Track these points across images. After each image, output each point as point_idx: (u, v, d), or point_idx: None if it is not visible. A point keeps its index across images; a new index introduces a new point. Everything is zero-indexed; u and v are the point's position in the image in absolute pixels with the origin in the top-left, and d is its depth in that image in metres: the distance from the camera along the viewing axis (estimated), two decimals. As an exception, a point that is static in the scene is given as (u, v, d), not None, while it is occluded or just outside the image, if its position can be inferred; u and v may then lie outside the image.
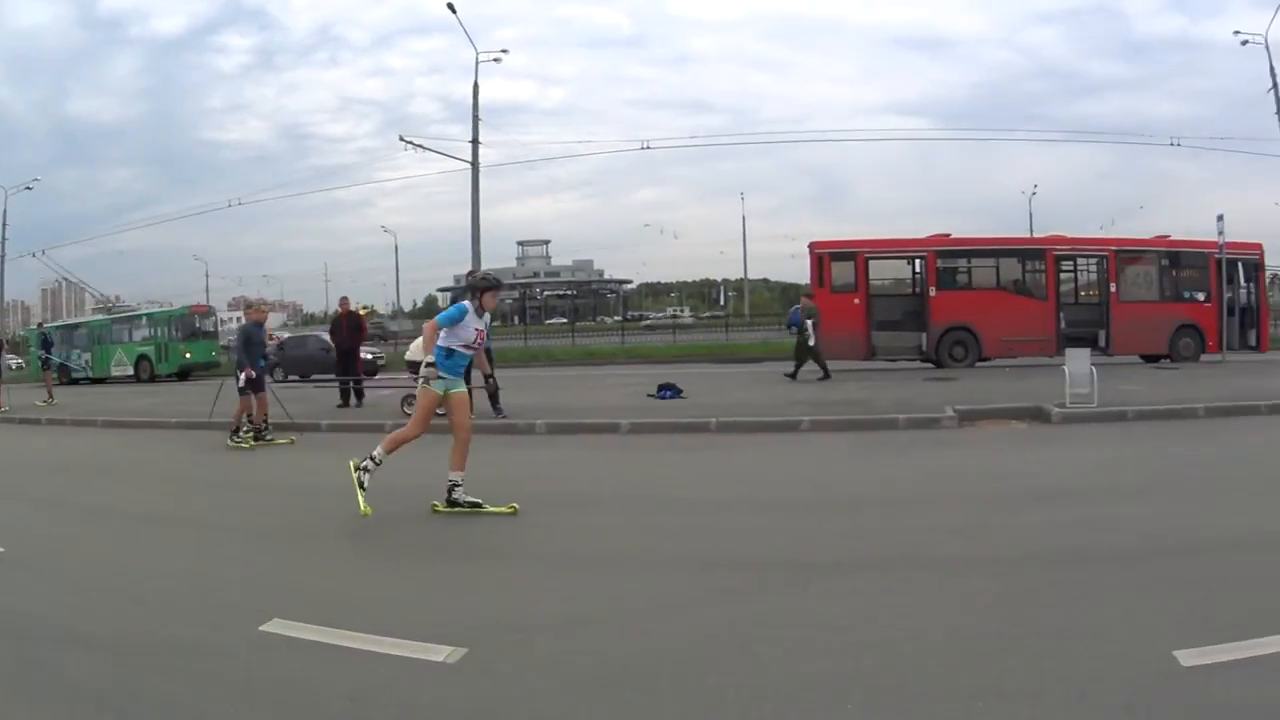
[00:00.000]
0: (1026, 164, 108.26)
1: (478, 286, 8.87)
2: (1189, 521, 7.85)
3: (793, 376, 22.03)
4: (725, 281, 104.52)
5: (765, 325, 60.30)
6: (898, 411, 15.13)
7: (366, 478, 8.52)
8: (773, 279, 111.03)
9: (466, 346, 8.74)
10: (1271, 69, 37.54)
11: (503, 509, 8.53)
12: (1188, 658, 4.64)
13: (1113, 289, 25.67)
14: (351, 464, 8.61)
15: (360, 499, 8.43)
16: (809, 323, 21.90)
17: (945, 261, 26.28)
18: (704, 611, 5.68)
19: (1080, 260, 26.86)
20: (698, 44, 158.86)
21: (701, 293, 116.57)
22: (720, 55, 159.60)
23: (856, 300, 25.59)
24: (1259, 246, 27.13)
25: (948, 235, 27.22)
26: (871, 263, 26.21)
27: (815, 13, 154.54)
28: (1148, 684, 4.41)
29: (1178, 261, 26.35)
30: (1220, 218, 25.47)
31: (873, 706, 4.25)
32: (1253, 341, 26.42)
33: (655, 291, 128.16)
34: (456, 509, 8.63)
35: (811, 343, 21.93)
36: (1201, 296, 25.79)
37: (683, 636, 5.17)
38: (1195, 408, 14.85)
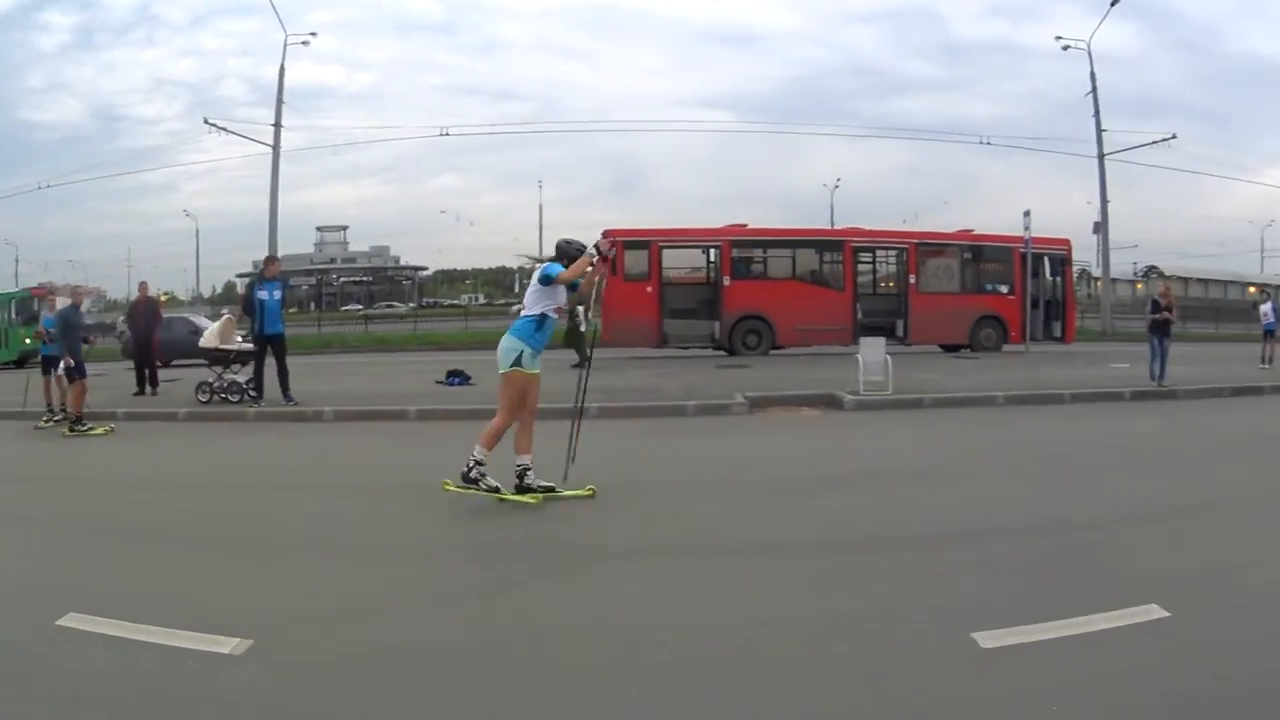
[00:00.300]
0: (833, 159, 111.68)
1: (569, 254, 8.27)
2: (984, 505, 7.98)
3: (578, 366, 20.99)
4: (520, 269, 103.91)
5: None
6: (687, 398, 15.02)
7: (484, 478, 8.05)
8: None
9: (557, 311, 8.35)
10: (1092, 74, 39.69)
11: (581, 492, 8.13)
12: (986, 640, 4.61)
13: (912, 280, 26.22)
14: (454, 487, 8.10)
15: (512, 496, 8.04)
16: (579, 309, 21.35)
17: (740, 251, 26.50)
18: (489, 599, 5.64)
19: (880, 252, 27.46)
20: (507, 31, 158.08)
21: (497, 280, 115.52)
22: (529, 43, 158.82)
23: (649, 289, 25.52)
24: (1067, 242, 28.29)
25: (744, 226, 27.48)
26: (666, 252, 26.32)
27: (626, 4, 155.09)
28: (946, 667, 4.38)
29: (981, 255, 27.16)
30: (1027, 214, 26.41)
31: (655, 693, 4.12)
32: (1058, 333, 27.41)
33: (451, 279, 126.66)
34: (472, 489, 8.07)
35: (583, 329, 21.30)
36: (1005, 289, 26.60)
37: (467, 625, 5.14)
38: (995, 395, 15.24)
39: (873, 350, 14.91)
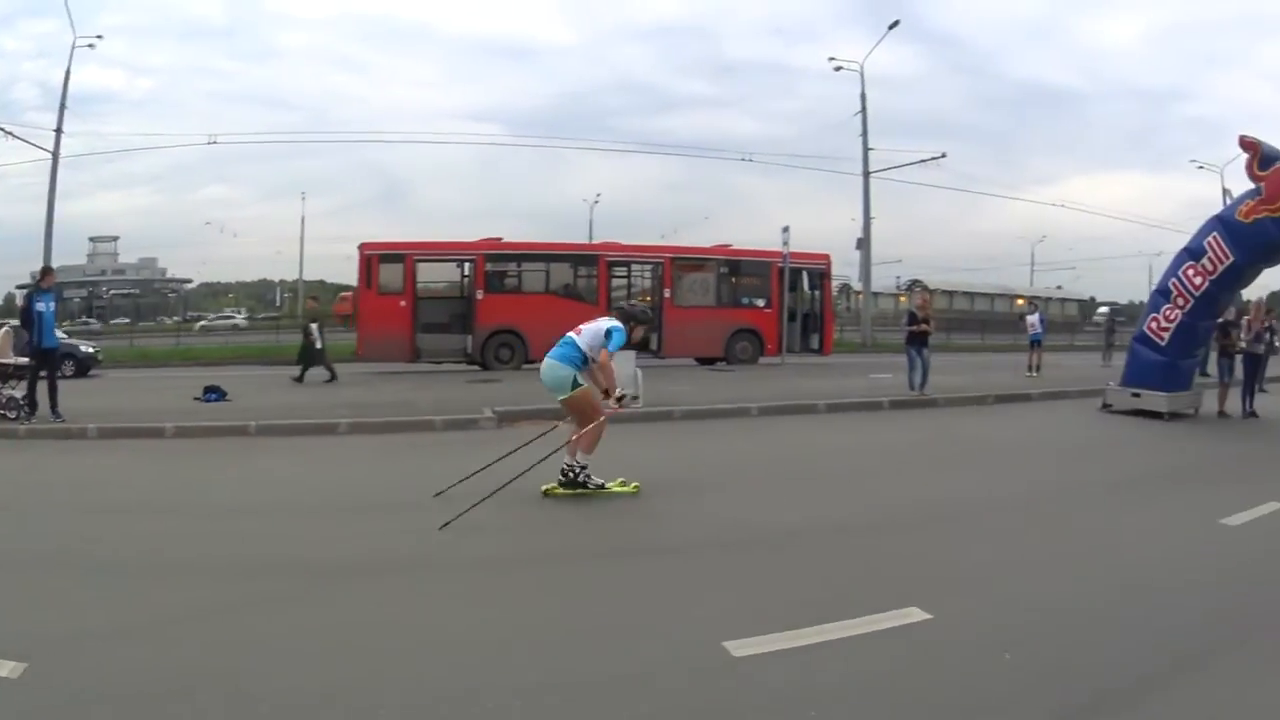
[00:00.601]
0: (599, 174, 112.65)
1: (635, 316, 9.50)
2: (737, 514, 8.05)
3: (299, 380, 21.11)
4: (282, 282, 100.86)
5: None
6: (437, 413, 14.85)
7: (592, 479, 8.93)
8: (329, 280, 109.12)
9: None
10: (863, 94, 41.04)
11: (627, 489, 8.92)
12: (738, 648, 4.64)
13: (666, 294, 26.58)
14: (559, 488, 8.90)
15: (620, 488, 8.87)
16: (313, 325, 21.52)
17: (495, 265, 26.42)
18: (245, 618, 5.48)
19: (635, 267, 27.73)
20: (287, 40, 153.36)
21: (259, 293, 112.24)
22: (307, 52, 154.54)
23: (403, 302, 25.16)
24: (826, 257, 29.01)
25: (499, 240, 27.38)
26: (421, 265, 25.97)
27: (408, 16, 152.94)
28: (698, 676, 4.39)
29: (738, 270, 27.75)
30: (786, 229, 26.98)
31: (405, 715, 4.04)
32: (816, 345, 28.23)
33: (215, 292, 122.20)
34: (581, 490, 8.88)
35: (319, 345, 21.41)
36: (762, 303, 27.22)
37: (223, 644, 4.96)
38: (748, 407, 15.51)
39: (623, 363, 14.43)
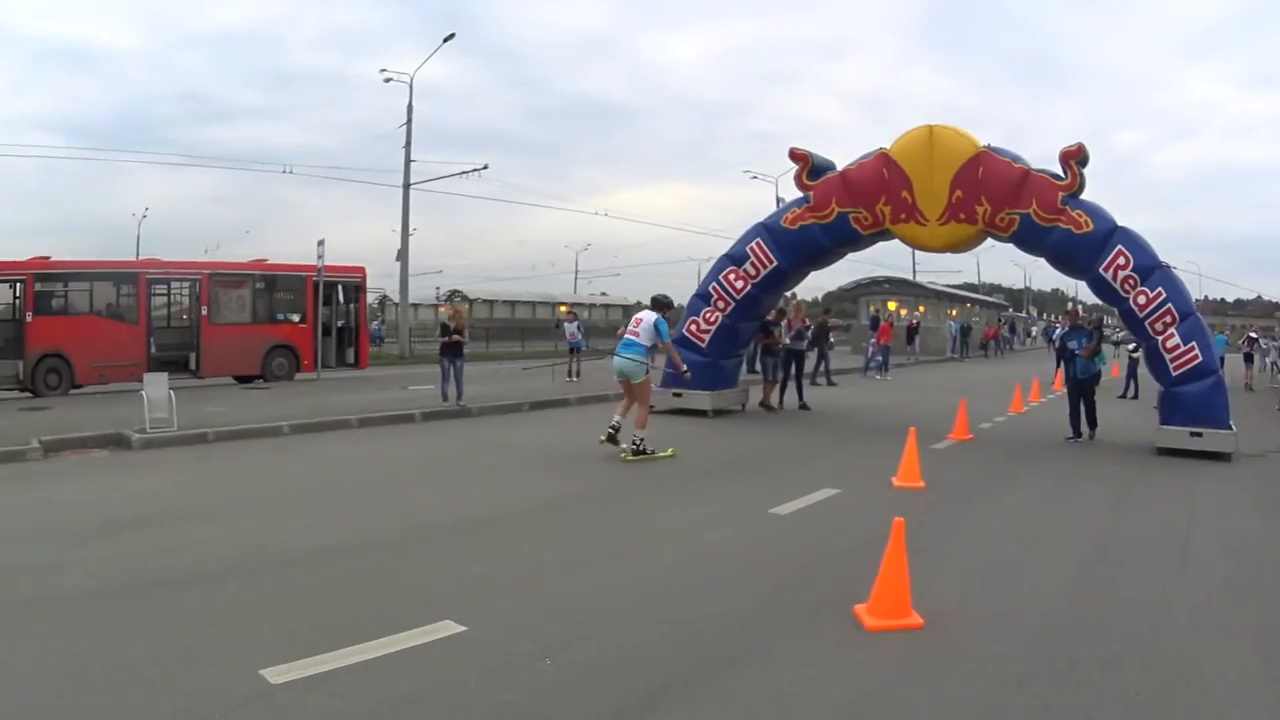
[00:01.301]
0: (153, 187, 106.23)
1: (666, 303, 13.60)
2: (268, 538, 7.96)
3: None
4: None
5: None
6: None
7: (647, 445, 12.49)
8: None
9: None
10: (409, 106, 40.52)
11: (667, 454, 12.65)
12: (275, 675, 4.67)
13: (204, 312, 25.79)
14: (632, 458, 12.24)
15: (662, 453, 12.60)
16: None
17: (44, 285, 24.37)
18: None
19: (174, 284, 26.46)
20: None
21: None
22: None
23: None
24: (361, 270, 29.09)
25: (48, 258, 25.20)
26: None
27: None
28: (238, 708, 4.34)
29: (273, 284, 27.23)
30: (321, 243, 26.88)
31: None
32: (351, 359, 28.32)
33: None
34: (643, 456, 12.33)
35: None
36: (297, 318, 27.01)
37: None
38: (280, 425, 15.36)
39: (156, 386, 14.72)
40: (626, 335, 12.73)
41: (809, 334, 21.50)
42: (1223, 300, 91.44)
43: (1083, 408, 15.70)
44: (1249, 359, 32.03)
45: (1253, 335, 34.80)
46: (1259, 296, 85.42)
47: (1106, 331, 32.43)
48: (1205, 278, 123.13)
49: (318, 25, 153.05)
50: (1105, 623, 5.93)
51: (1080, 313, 20.34)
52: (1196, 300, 16.68)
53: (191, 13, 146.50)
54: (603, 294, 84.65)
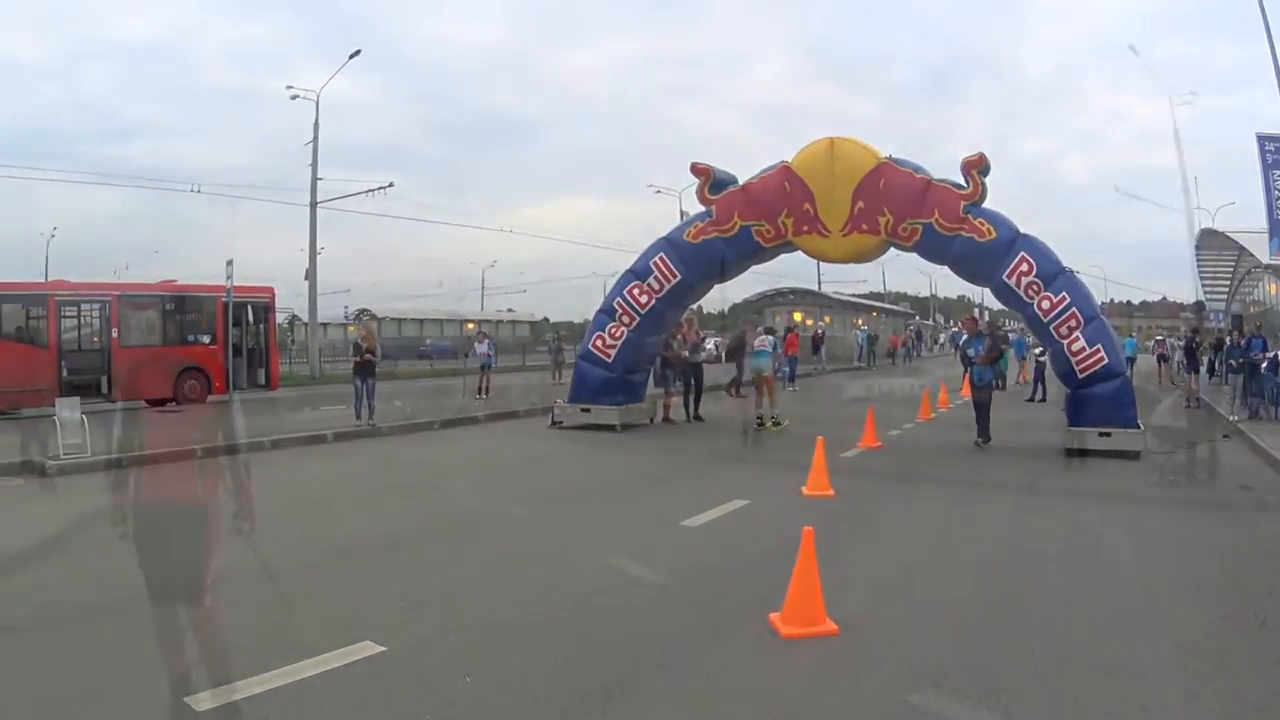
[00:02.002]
0: (61, 205, 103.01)
1: (772, 330, 21.39)
2: (177, 565, 7.48)
3: None
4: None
5: None
6: None
7: (777, 419, 18.26)
8: None
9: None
10: (316, 123, 39.84)
11: (784, 424, 18.00)
12: (201, 702, 4.67)
13: (114, 334, 25.36)
14: (772, 427, 17.92)
15: (775, 428, 17.71)
16: None
17: None
18: None
19: (85, 306, 25.95)
20: None
21: None
22: None
23: None
24: (270, 290, 28.89)
25: None
26: None
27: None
28: None
29: (183, 306, 26.92)
30: (229, 263, 26.44)
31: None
32: (263, 380, 28.07)
33: None
34: (778, 426, 17.73)
35: None
36: (207, 339, 26.68)
37: None
38: (194, 449, 14.90)
39: (69, 410, 14.56)
40: (758, 347, 18.39)
41: (705, 347, 22.07)
42: (1129, 303, 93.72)
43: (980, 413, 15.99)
44: (1162, 359, 33.52)
45: (1160, 337, 36.37)
46: (1164, 298, 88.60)
47: (1012, 336, 33.64)
48: (1111, 282, 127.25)
49: (226, 40, 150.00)
50: (1020, 621, 6.18)
51: (978, 319, 20.86)
52: (1102, 304, 17.43)
53: (92, 24, 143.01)
54: (509, 310, 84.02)
